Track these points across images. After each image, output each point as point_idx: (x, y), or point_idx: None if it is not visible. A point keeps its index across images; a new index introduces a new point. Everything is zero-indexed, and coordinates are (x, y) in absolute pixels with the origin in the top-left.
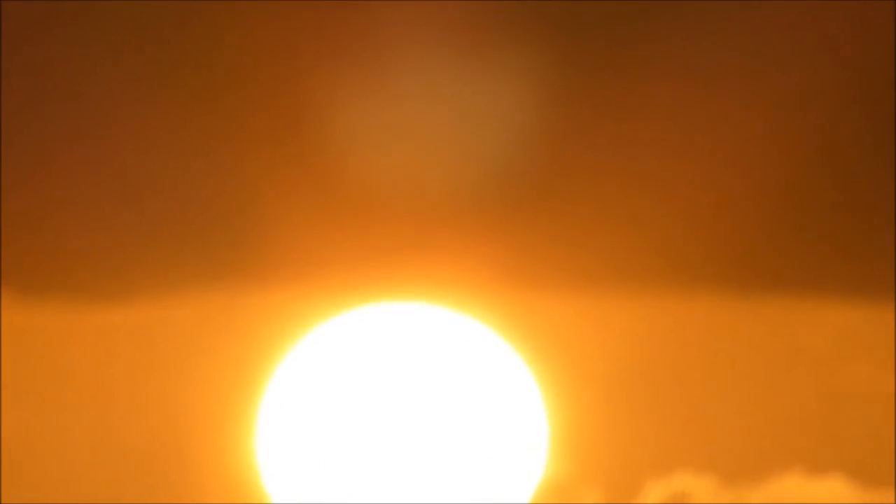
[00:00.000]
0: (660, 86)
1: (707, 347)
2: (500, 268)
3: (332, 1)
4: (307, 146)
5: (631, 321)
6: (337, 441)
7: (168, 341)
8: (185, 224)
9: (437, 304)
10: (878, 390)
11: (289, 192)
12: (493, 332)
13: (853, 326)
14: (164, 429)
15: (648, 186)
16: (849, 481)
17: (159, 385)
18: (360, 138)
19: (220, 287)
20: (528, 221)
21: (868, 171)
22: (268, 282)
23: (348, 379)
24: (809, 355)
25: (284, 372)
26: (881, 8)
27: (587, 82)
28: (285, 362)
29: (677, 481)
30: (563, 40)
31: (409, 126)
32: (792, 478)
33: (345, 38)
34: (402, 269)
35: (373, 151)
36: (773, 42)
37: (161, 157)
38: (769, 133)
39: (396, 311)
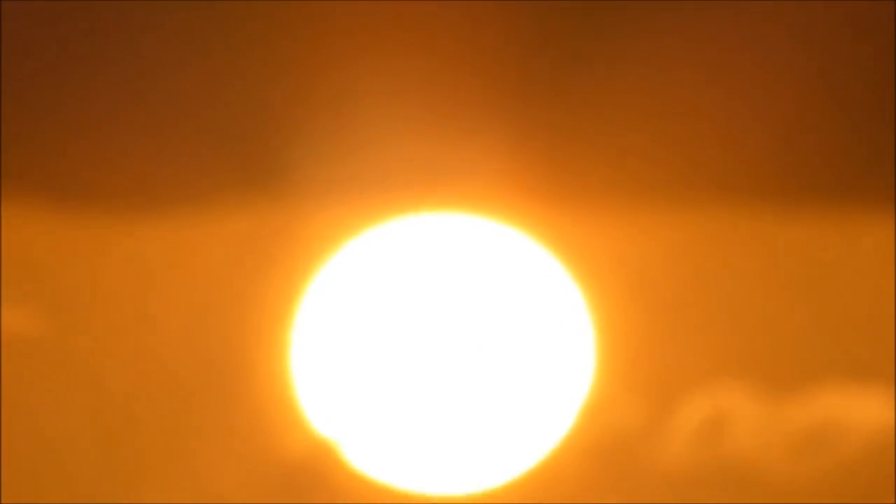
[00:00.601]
0: (693, 4)
1: (750, 259)
2: (543, 181)
3: None
4: (338, 62)
5: (674, 235)
6: (375, 358)
7: (201, 257)
8: (217, 140)
9: (478, 216)
10: None
11: (321, 107)
12: (536, 245)
13: (886, 240)
14: (197, 346)
15: (689, 102)
16: (890, 389)
17: (193, 301)
18: (388, 52)
19: (253, 202)
20: (572, 136)
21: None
22: (303, 196)
23: (386, 293)
24: (852, 266)
25: (321, 286)
26: None
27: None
28: (321, 277)
29: (720, 392)
30: None
31: (441, 36)
32: (833, 386)
33: None
34: (442, 182)
35: (404, 64)
36: None
37: (195, 73)
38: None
39: (437, 223)
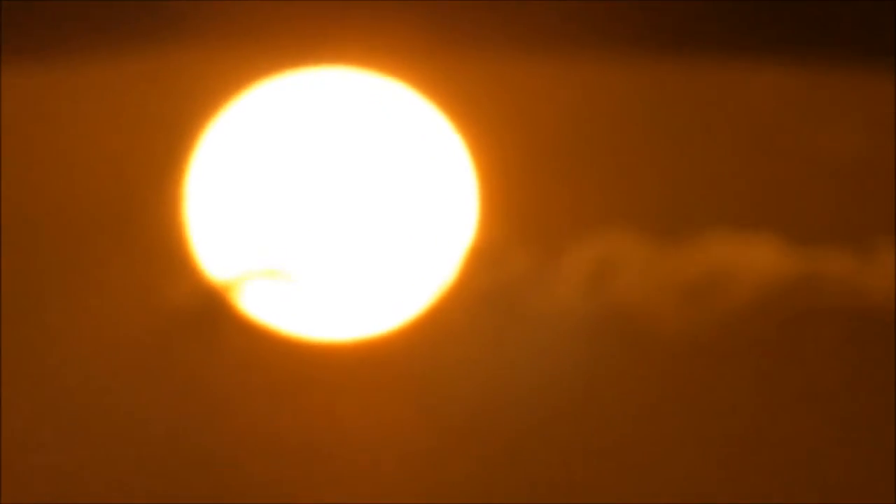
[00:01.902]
0: None
1: (639, 107)
2: (428, 30)
3: None
4: None
5: (561, 82)
6: (265, 206)
7: (91, 101)
8: None
9: (363, 69)
10: (818, 154)
11: None
12: (419, 97)
13: (794, 87)
14: (88, 190)
15: None
16: (780, 239)
17: (83, 145)
18: None
19: (141, 47)
20: None
21: None
22: (191, 42)
23: (275, 145)
24: (748, 116)
25: (214, 135)
26: None
27: None
28: (215, 126)
29: (607, 240)
30: None
31: None
32: (722, 234)
33: None
34: (329, 30)
35: None
36: None
37: None
38: None
39: (322, 76)
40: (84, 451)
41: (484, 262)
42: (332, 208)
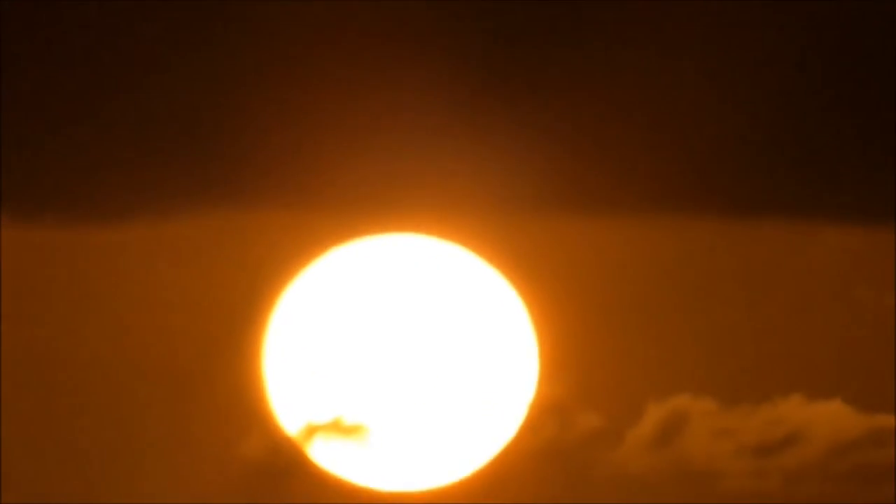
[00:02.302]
0: (661, 13)
1: (706, 270)
2: (489, 195)
3: None
4: (308, 77)
5: (628, 244)
6: (339, 363)
7: (170, 260)
8: (187, 145)
9: (430, 235)
10: (878, 313)
11: (292, 120)
12: (481, 260)
13: (854, 250)
14: (167, 348)
15: (643, 110)
16: (849, 405)
17: (162, 303)
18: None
19: (219, 208)
20: (519, 147)
21: (866, 98)
22: (265, 206)
23: (348, 305)
24: (810, 279)
25: (290, 296)
26: None
27: (591, 11)
28: (291, 287)
29: (676, 404)
30: None
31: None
32: (792, 402)
33: None
34: (401, 198)
35: (368, 86)
36: None
37: (165, 77)
38: (767, 59)
39: (391, 243)
40: None
41: (546, 418)
42: (401, 366)
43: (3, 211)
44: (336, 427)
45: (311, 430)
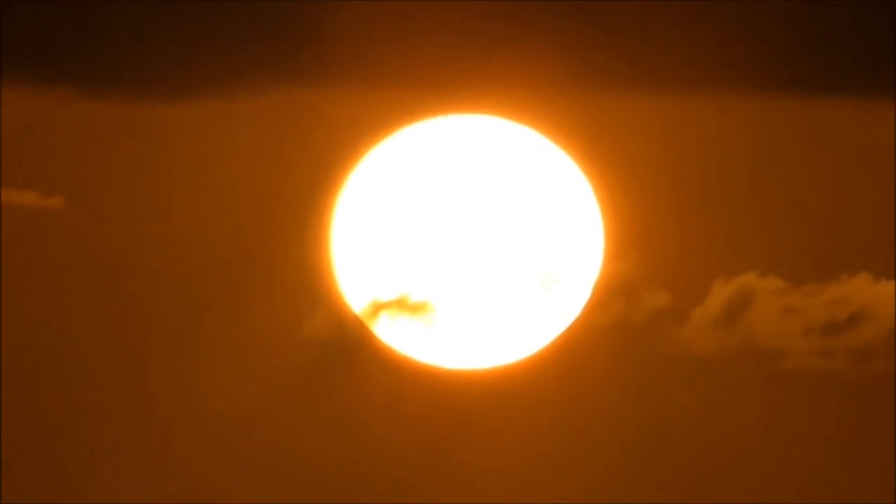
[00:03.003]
0: None
1: (773, 148)
2: (556, 75)
3: None
4: None
5: (695, 123)
6: (405, 243)
7: (235, 138)
8: (253, 24)
9: (497, 115)
10: None
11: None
12: (549, 140)
13: None
14: (233, 227)
15: None
16: None
17: (227, 182)
18: None
19: (287, 86)
20: (586, 28)
21: None
22: (333, 85)
23: (416, 185)
24: (877, 156)
25: (357, 175)
26: None
27: None
28: (358, 166)
29: (743, 282)
30: None
31: None
32: (859, 280)
33: None
34: (467, 79)
35: None
36: None
37: None
38: None
39: (457, 123)
40: (235, 471)
41: (612, 296)
42: (468, 245)
43: (69, 86)
44: (402, 305)
45: (377, 308)
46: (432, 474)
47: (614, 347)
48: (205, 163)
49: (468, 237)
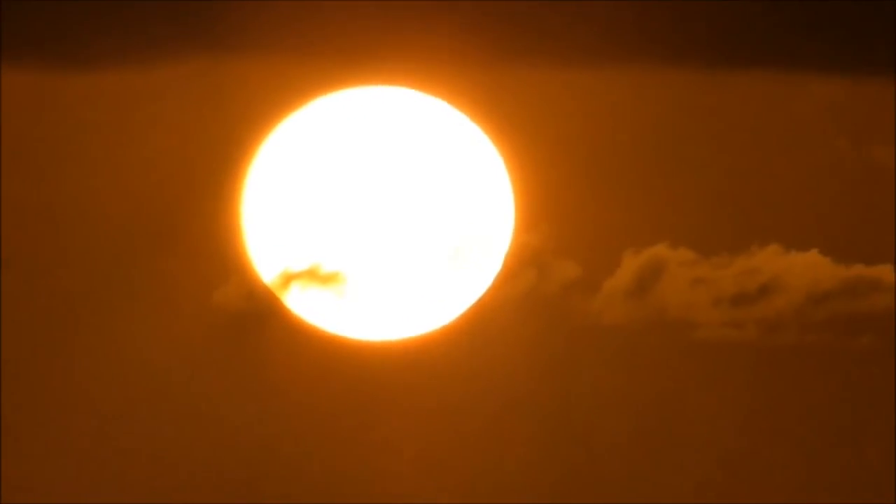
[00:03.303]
0: None
1: (685, 120)
2: (465, 46)
3: None
4: None
5: (607, 95)
6: (316, 214)
7: (151, 106)
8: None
9: (409, 87)
10: (858, 166)
11: None
12: (458, 110)
13: (836, 101)
14: (146, 195)
15: None
16: (825, 255)
17: (142, 150)
18: None
19: (202, 55)
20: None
21: None
22: (248, 55)
23: (326, 156)
24: (791, 130)
25: (269, 146)
26: None
27: None
28: (269, 136)
29: (653, 253)
30: None
31: None
32: (769, 252)
33: None
34: (382, 50)
35: None
36: None
37: None
38: None
39: (371, 94)
40: (142, 435)
41: (523, 267)
42: (378, 216)
43: None
44: (313, 275)
45: (288, 279)
46: (342, 445)
47: (525, 319)
48: (117, 131)
49: (379, 208)
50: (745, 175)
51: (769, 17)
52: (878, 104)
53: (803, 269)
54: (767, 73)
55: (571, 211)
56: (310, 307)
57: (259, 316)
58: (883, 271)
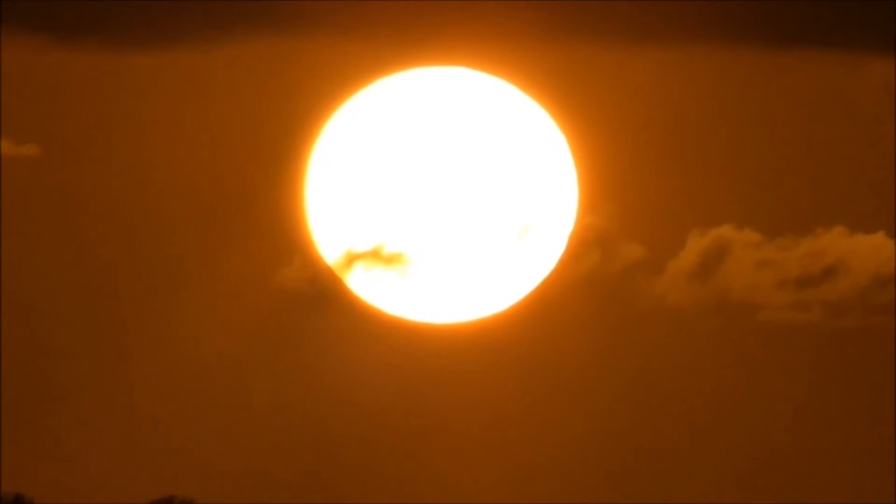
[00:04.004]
0: None
1: (748, 102)
2: (530, 28)
3: None
4: None
5: (671, 76)
6: (380, 195)
7: (214, 86)
8: None
9: (473, 68)
10: None
11: None
12: (523, 92)
13: (890, 81)
14: (210, 174)
15: None
16: (891, 238)
17: (206, 130)
18: None
19: (264, 36)
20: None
21: None
22: (307, 35)
23: (391, 137)
24: (853, 112)
25: (332, 127)
26: None
27: None
28: (333, 117)
29: (718, 235)
30: None
31: None
32: (834, 234)
33: None
34: (442, 31)
35: None
36: None
37: None
38: None
39: (434, 75)
40: (205, 418)
41: (587, 248)
42: (442, 197)
43: (42, 35)
44: (376, 256)
45: (352, 259)
46: (405, 429)
47: (589, 300)
48: (181, 112)
49: (443, 189)
50: (811, 157)
51: (831, 0)
52: None
53: (868, 251)
54: (826, 53)
55: (635, 192)
56: (373, 288)
57: (322, 298)
58: None
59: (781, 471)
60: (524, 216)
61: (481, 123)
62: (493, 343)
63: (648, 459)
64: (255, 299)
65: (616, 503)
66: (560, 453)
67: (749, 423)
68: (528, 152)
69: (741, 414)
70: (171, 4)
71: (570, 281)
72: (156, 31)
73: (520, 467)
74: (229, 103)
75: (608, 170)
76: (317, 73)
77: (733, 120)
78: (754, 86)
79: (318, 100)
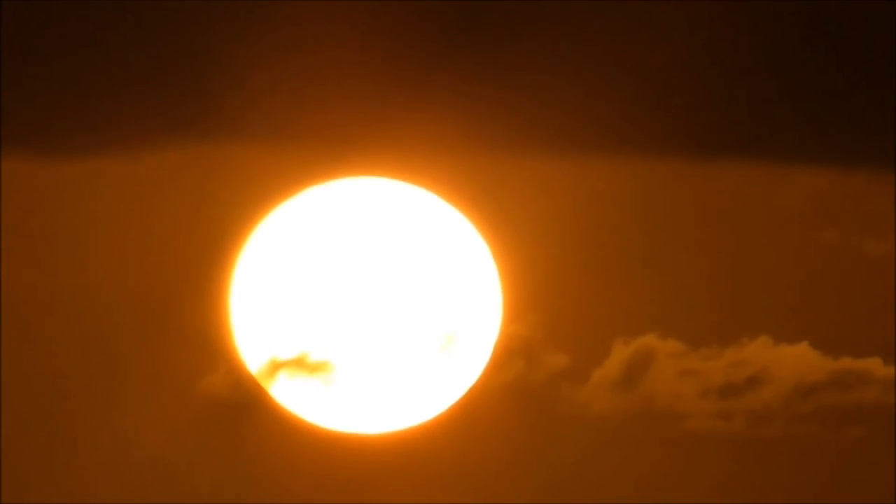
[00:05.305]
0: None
1: (673, 211)
2: (454, 138)
3: None
4: (283, 18)
5: (593, 185)
6: (304, 304)
7: (141, 194)
8: (163, 81)
9: (395, 178)
10: (846, 257)
11: (265, 61)
12: (445, 201)
13: (822, 192)
14: (135, 281)
15: (608, 51)
16: (814, 348)
17: (132, 237)
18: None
19: (191, 144)
20: (484, 90)
21: (840, 41)
22: (234, 143)
23: (314, 246)
24: (778, 221)
25: (257, 236)
26: None
27: None
28: (255, 229)
29: (642, 344)
30: None
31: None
32: (758, 344)
33: None
34: (367, 141)
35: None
36: None
37: (142, 14)
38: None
39: (357, 185)
40: None
41: (511, 357)
42: (367, 307)
43: None
44: (300, 364)
45: (276, 367)
46: None
47: (514, 409)
48: (107, 220)
49: (367, 298)
50: (735, 266)
51: (754, 108)
52: (864, 195)
53: (792, 361)
54: (753, 162)
55: (560, 301)
56: (297, 397)
57: (246, 405)
58: (871, 364)
59: None
60: (448, 326)
61: (405, 233)
62: (418, 453)
63: None
64: (180, 406)
65: None
66: None
67: None
68: (451, 262)
69: None
70: (98, 112)
71: (494, 390)
72: (83, 139)
73: None
74: (155, 212)
75: (532, 279)
76: (243, 182)
77: (658, 229)
78: (679, 195)
79: (243, 208)
